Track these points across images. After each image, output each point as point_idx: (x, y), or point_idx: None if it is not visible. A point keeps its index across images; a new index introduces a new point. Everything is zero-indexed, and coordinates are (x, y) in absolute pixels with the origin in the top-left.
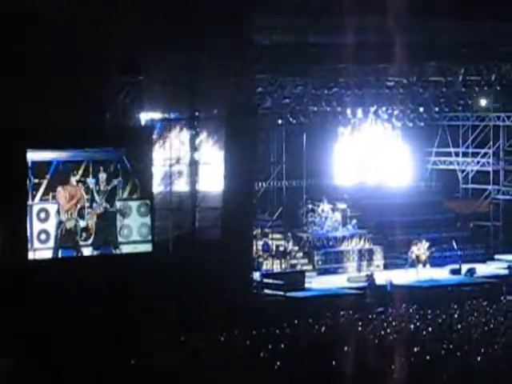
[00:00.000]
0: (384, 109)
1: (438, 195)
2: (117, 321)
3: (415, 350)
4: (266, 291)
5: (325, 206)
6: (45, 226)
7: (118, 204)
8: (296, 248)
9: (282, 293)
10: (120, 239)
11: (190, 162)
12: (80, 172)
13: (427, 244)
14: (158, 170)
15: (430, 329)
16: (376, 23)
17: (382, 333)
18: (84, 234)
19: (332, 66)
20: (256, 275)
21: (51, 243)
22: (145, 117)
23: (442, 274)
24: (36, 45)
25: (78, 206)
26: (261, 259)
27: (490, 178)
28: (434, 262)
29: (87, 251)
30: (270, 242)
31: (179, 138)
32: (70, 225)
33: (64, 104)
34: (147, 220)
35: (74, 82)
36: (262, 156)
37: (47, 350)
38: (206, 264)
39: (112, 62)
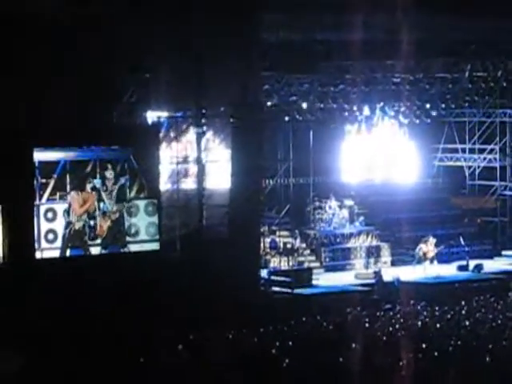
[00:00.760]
0: (391, 105)
1: (445, 192)
2: (125, 319)
3: (423, 346)
4: (274, 288)
5: (332, 203)
6: (52, 226)
7: (125, 203)
8: (303, 245)
9: (289, 290)
10: (128, 238)
11: (197, 160)
12: (87, 170)
13: (434, 240)
14: (165, 169)
15: (437, 325)
16: (382, 20)
17: (390, 329)
18: (92, 234)
19: (338, 63)
20: (263, 272)
21: (59, 243)
22: (151, 115)
23: (449, 271)
24: (43, 44)
25: (89, 209)
26: (268, 256)
27: (497, 174)
28: (442, 258)
29: (95, 250)
30: (277, 240)
31: (186, 137)
32: (78, 225)
33: (70, 103)
34: (155, 219)
35: (80, 81)
36: (269, 153)
37: (54, 349)
38: (213, 262)
39: (119, 61)
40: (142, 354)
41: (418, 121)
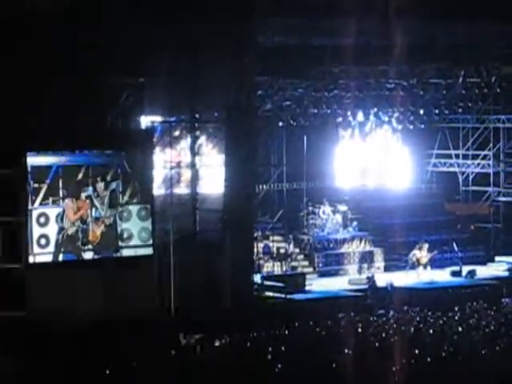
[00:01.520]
0: (384, 111)
1: (439, 197)
2: (116, 322)
3: (416, 352)
4: (267, 293)
5: (326, 209)
6: (44, 231)
7: (119, 208)
8: (297, 250)
9: (282, 295)
10: (120, 243)
11: (191, 165)
12: (80, 176)
13: (427, 245)
14: (158, 173)
15: (430, 331)
16: (376, 26)
17: (383, 335)
18: (85, 240)
19: (332, 69)
20: (257, 277)
21: (51, 248)
22: (145, 120)
23: (442, 276)
24: (36, 47)
25: (83, 216)
26: (262, 261)
27: (491, 180)
28: (435, 263)
29: (88, 255)
30: (270, 245)
31: (179, 141)
32: (71, 231)
33: (64, 108)
34: (147, 224)
35: (73, 85)
36: (263, 158)
37: (51, 352)
38: (206, 266)
39: (113, 66)
40: (133, 357)
41: (411, 126)
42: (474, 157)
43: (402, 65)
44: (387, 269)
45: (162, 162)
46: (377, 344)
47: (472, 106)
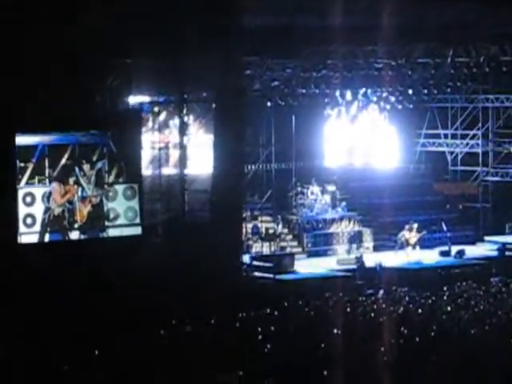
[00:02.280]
0: (373, 91)
1: (427, 177)
2: (105, 305)
3: (405, 331)
4: (256, 274)
5: (314, 189)
6: (30, 210)
7: (105, 187)
8: (285, 230)
9: (271, 275)
10: (107, 223)
11: (179, 145)
12: (66, 156)
13: (416, 225)
14: (146, 154)
15: (419, 311)
16: (364, 5)
17: (372, 315)
18: (71, 219)
19: (320, 49)
20: (245, 258)
21: (37, 227)
22: (133, 100)
23: (431, 256)
24: (23, 29)
25: (70, 199)
26: (250, 242)
27: (479, 160)
28: (424, 243)
29: (74, 235)
30: (259, 225)
31: (168, 122)
32: (58, 211)
33: (52, 88)
34: (133, 203)
35: (61, 65)
36: (251, 139)
37: (37, 336)
38: (195, 247)
39: (101, 46)
40: (123, 340)
41: (400, 106)
42: (463, 136)
43: (391, 45)
44: (376, 249)
45: (150, 142)
46: (366, 324)
47: (461, 86)
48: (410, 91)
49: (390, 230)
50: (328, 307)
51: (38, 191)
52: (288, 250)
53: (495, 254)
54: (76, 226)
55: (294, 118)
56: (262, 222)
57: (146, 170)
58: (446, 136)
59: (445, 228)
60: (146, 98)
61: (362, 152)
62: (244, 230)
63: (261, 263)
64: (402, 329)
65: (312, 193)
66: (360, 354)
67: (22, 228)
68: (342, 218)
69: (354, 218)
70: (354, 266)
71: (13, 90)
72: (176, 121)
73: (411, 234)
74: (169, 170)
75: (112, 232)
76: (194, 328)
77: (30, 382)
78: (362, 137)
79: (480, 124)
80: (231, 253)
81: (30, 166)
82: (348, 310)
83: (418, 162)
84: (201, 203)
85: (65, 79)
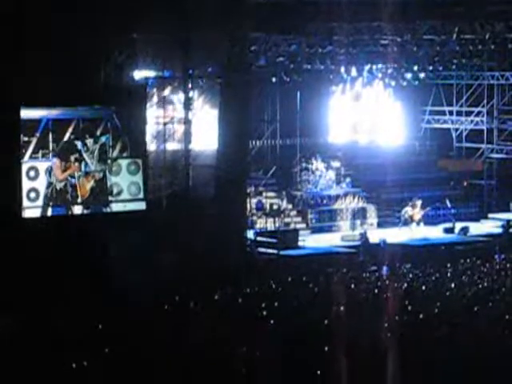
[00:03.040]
0: (378, 67)
1: (432, 154)
2: (110, 278)
3: (408, 308)
4: (260, 249)
5: (319, 165)
6: (34, 185)
7: (108, 162)
8: (290, 206)
9: (275, 251)
10: (110, 198)
11: (184, 121)
12: (70, 130)
13: (420, 201)
14: (150, 129)
15: (423, 287)
16: None
17: (376, 291)
18: (74, 194)
19: (326, 25)
20: (250, 233)
21: (40, 201)
22: (138, 75)
23: (435, 233)
24: (26, 4)
25: (71, 174)
26: (254, 217)
27: (484, 137)
28: (428, 220)
29: (78, 209)
30: (263, 201)
31: (173, 97)
32: (60, 186)
33: (57, 63)
34: (137, 178)
35: (67, 40)
36: (256, 114)
37: (42, 310)
38: (199, 222)
39: (106, 21)
40: (127, 314)
41: (405, 83)
42: (468, 113)
43: (396, 21)
44: (380, 225)
45: (155, 117)
46: (369, 300)
47: (466, 63)
48: (416, 68)
49: (394, 206)
50: (332, 283)
51: (42, 165)
52: (292, 225)
53: (499, 231)
54: (79, 200)
55: (299, 93)
56: (266, 197)
57: (151, 145)
58: (451, 113)
59: (449, 205)
60: (151, 73)
61: (366, 128)
62: (248, 206)
63: (265, 239)
64: (406, 305)
65: (317, 169)
66: (363, 330)
67: (25, 202)
68: (346, 194)
69: (359, 195)
70: (358, 243)
71: (16, 65)
72: (181, 96)
73: (415, 211)
74: (173, 145)
75: (115, 207)
76: (198, 304)
77: (31, 356)
78: (366, 113)
79: (485, 101)
80: (235, 228)
81: (34, 140)
82: (352, 286)
83: (423, 138)
84: (205, 178)
85: (69, 54)
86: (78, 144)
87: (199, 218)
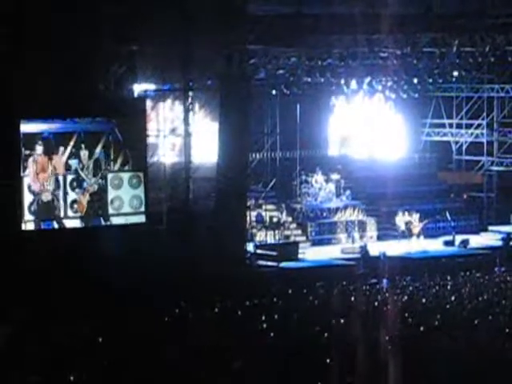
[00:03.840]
0: (378, 80)
1: (432, 166)
2: (110, 291)
3: (409, 321)
4: (260, 262)
5: (318, 177)
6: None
7: (110, 176)
8: (290, 219)
9: (275, 264)
10: (111, 211)
11: (184, 133)
12: (71, 143)
13: (417, 215)
14: (151, 142)
15: (423, 300)
16: None
17: (376, 304)
18: (75, 206)
19: (326, 37)
20: (250, 246)
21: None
22: (138, 88)
23: (435, 246)
24: (26, 17)
25: (52, 177)
26: (254, 230)
27: (484, 149)
28: (428, 233)
29: (75, 223)
30: (263, 213)
31: (172, 109)
32: (46, 197)
33: (56, 75)
34: (139, 192)
35: (67, 52)
36: (256, 127)
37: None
38: (199, 235)
39: (105, 33)
40: (126, 326)
41: (405, 95)
42: (468, 126)
43: (396, 34)
44: (380, 238)
45: (155, 130)
46: (369, 313)
47: (466, 75)
48: (416, 80)
49: (394, 219)
50: (332, 296)
51: None
52: (292, 238)
53: (499, 243)
54: (78, 214)
55: (298, 106)
56: (266, 210)
57: (151, 158)
58: (450, 125)
59: (449, 217)
60: (150, 86)
61: (366, 141)
62: (248, 219)
63: (265, 251)
64: (406, 318)
65: (316, 181)
66: (363, 343)
67: (27, 216)
68: (346, 207)
69: (358, 207)
70: (358, 255)
71: (17, 78)
72: (181, 108)
73: (406, 218)
74: (173, 158)
75: (116, 220)
76: (197, 316)
77: (33, 363)
78: (366, 126)
79: (485, 114)
80: (235, 241)
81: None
82: (352, 298)
83: (423, 151)
84: (205, 191)
85: (70, 67)
86: (74, 163)
87: (199, 230)
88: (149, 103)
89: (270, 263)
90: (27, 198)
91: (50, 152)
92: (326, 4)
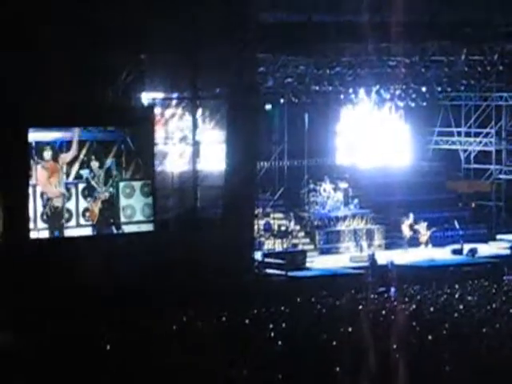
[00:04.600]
0: (386, 88)
1: (440, 175)
2: (118, 299)
3: (417, 329)
4: (268, 271)
5: (326, 186)
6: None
7: (121, 184)
8: (298, 227)
9: (283, 272)
10: (123, 219)
11: (192, 142)
12: (84, 151)
13: (423, 223)
14: (159, 150)
15: (431, 309)
16: (379, 2)
17: (384, 312)
18: (87, 215)
19: (334, 46)
20: (257, 255)
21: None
22: (146, 96)
23: (443, 254)
24: (37, 26)
25: (63, 176)
26: (262, 239)
27: (493, 158)
28: (436, 241)
29: (87, 231)
30: (271, 222)
31: (181, 118)
32: (57, 202)
33: (65, 84)
34: (150, 200)
35: (75, 61)
36: (264, 135)
37: (45, 325)
38: (207, 243)
39: (113, 41)
40: (133, 334)
41: (413, 104)
42: (476, 134)
43: (405, 42)
44: (388, 247)
45: (164, 138)
46: (377, 322)
47: (474, 84)
48: (424, 89)
49: (402, 227)
50: (340, 304)
51: None
52: (300, 247)
53: (507, 252)
54: (89, 222)
55: (306, 115)
56: (274, 218)
57: (159, 167)
58: (459, 134)
59: (457, 226)
60: (158, 94)
61: (374, 150)
62: (256, 227)
63: (273, 260)
64: (415, 327)
65: (324, 190)
66: (372, 351)
67: (39, 224)
68: (354, 216)
69: (366, 216)
70: (366, 264)
71: (27, 87)
72: (189, 117)
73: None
74: (181, 167)
75: (128, 229)
76: (205, 324)
77: (38, 370)
78: (374, 134)
79: (493, 122)
80: (243, 249)
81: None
82: (360, 307)
83: (431, 159)
84: (213, 199)
85: (78, 75)
86: (85, 173)
87: (207, 239)
88: (157, 112)
89: (278, 272)
90: (39, 206)
91: (57, 156)
92: (334, 13)
